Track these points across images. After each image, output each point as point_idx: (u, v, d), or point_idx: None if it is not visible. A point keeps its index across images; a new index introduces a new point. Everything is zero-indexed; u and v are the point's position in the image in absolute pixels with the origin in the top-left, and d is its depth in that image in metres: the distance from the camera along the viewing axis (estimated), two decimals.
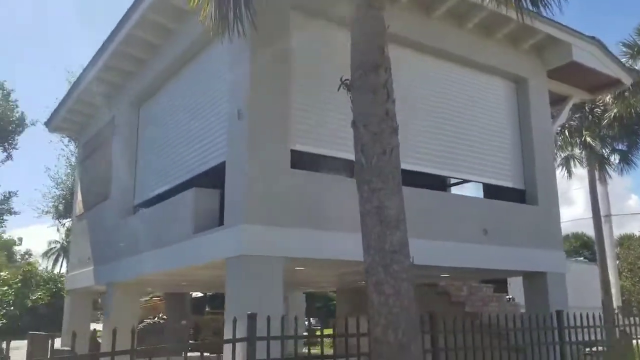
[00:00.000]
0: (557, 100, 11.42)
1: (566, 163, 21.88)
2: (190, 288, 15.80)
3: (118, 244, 10.47)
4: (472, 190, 11.78)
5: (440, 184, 11.82)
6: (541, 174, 9.85)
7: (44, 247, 61.73)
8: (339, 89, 5.45)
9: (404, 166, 8.69)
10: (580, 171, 22.38)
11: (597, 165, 20.91)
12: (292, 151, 7.27)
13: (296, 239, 6.88)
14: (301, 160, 7.43)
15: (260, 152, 6.96)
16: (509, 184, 9.85)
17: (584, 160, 21.08)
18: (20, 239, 52.84)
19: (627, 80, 11.01)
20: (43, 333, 5.80)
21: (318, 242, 6.98)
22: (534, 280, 9.60)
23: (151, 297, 20.49)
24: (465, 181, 11.48)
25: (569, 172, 22.00)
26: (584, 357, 8.96)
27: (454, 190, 12.32)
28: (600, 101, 19.49)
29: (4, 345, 7.48)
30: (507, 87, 10.19)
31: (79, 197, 13.94)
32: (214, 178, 7.93)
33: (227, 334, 5.79)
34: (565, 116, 11.15)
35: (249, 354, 4.92)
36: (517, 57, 10.01)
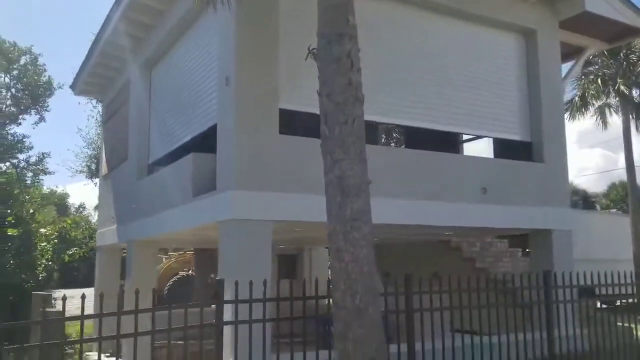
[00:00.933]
0: (572, 52, 11.07)
1: (601, 112, 21.21)
2: (209, 245, 16.34)
3: (134, 204, 10.95)
4: (485, 145, 11.68)
5: (452, 140, 11.79)
6: (549, 128, 9.67)
7: (95, 201, 64.33)
8: (306, 58, 5.49)
9: (409, 123, 9.03)
10: None
11: (634, 113, 20.19)
12: (282, 112, 7.37)
13: (284, 202, 7.07)
14: (292, 123, 7.56)
15: (248, 118, 7.11)
16: (517, 138, 9.74)
17: (619, 108, 20.38)
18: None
19: None
20: (44, 293, 6.29)
21: (306, 205, 7.11)
22: (539, 237, 9.57)
23: (185, 251, 21.28)
24: (476, 137, 11.42)
25: (604, 122, 21.35)
26: (593, 313, 8.96)
27: (466, 146, 12.25)
28: (636, 47, 18.65)
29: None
30: (515, 39, 9.91)
31: (104, 157, 14.49)
32: (213, 140, 8.15)
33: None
34: (579, 68, 10.77)
35: (217, 317, 5.22)
36: (525, 9, 9.69)
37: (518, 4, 9.63)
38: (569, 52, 11.01)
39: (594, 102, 20.71)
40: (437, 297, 6.30)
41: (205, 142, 8.37)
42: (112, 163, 13.54)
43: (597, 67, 20.06)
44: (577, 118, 20.45)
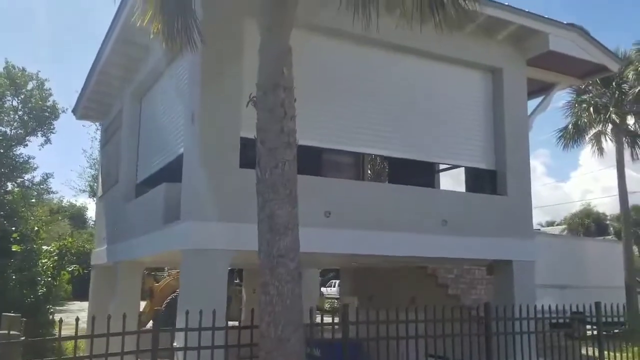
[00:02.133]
0: (543, 87, 11.43)
1: (596, 140, 21.43)
2: None
3: (120, 226, 11.52)
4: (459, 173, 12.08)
5: (428, 170, 12.23)
6: (513, 161, 10.03)
7: None
8: (247, 105, 5.99)
9: (386, 153, 9.46)
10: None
11: (629, 141, 20.39)
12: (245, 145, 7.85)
13: (242, 233, 7.45)
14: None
15: (209, 153, 7.62)
16: (482, 166, 10.16)
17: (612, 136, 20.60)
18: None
19: (614, 67, 10.86)
20: (13, 315, 6.75)
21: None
22: (502, 268, 9.90)
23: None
24: (450, 168, 11.86)
25: (600, 149, 21.55)
26: (564, 341, 9.26)
27: (442, 175, 12.66)
28: (628, 76, 18.92)
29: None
30: (481, 76, 10.33)
31: (100, 179, 15.14)
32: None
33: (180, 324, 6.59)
34: (549, 103, 11.13)
35: (153, 344, 5.69)
36: (491, 48, 10.11)
37: (484, 43, 10.05)
38: (540, 88, 11.37)
39: (590, 129, 20.96)
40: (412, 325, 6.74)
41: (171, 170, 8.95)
42: (106, 185, 14.18)
43: (591, 95, 20.34)
44: (571, 146, 20.70)
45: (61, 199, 52.00)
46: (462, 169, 11.64)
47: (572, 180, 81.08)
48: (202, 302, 6.76)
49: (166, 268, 21.09)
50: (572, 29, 10.16)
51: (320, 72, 8.73)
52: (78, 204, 55.94)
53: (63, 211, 48.60)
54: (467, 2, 7.00)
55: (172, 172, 9.47)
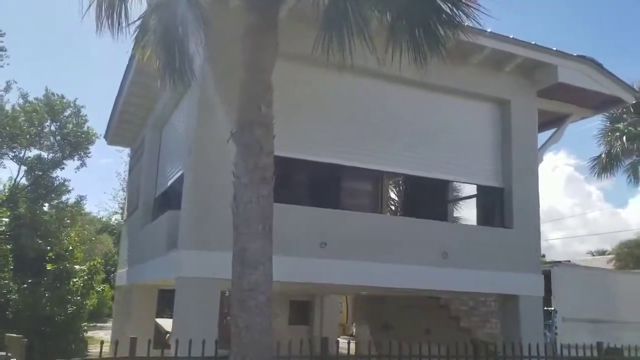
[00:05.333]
0: (557, 118, 11.26)
1: (633, 169, 20.73)
2: None
3: (136, 249, 11.91)
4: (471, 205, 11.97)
5: (440, 199, 12.20)
6: (520, 194, 9.90)
7: None
8: (227, 141, 6.19)
9: (403, 171, 9.56)
10: None
11: None
12: None
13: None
14: None
15: (203, 184, 7.86)
16: (489, 200, 10.06)
17: None
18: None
19: (629, 98, 10.62)
20: (15, 335, 7.07)
21: None
22: (508, 303, 9.72)
23: None
24: (462, 199, 11.81)
25: (637, 179, 20.83)
26: None
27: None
28: None
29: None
30: (489, 108, 10.28)
31: (126, 203, 15.68)
32: None
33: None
34: (562, 134, 10.93)
35: None
36: (498, 80, 10.07)
37: (492, 75, 10.02)
38: (553, 119, 11.21)
39: (625, 158, 20.30)
40: None
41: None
42: (130, 210, 14.68)
43: (625, 123, 19.77)
44: (605, 175, 20.10)
45: (110, 217, 53.54)
46: (472, 202, 11.60)
47: (629, 207, 77.92)
48: (194, 330, 6.93)
49: None
50: (582, 61, 10.03)
51: (330, 101, 8.97)
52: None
53: (110, 230, 50.10)
54: (468, 35, 7.06)
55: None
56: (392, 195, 16.35)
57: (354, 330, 30.39)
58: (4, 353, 6.06)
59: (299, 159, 8.67)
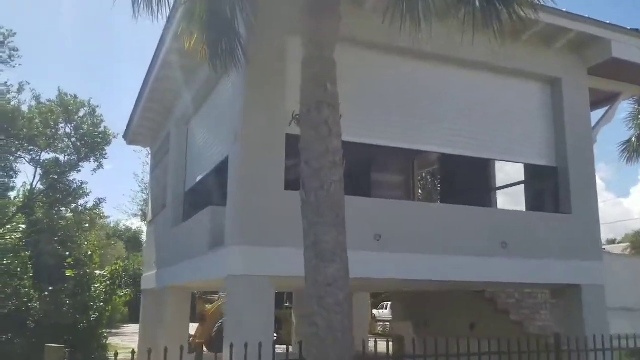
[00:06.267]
0: (608, 97, 10.72)
1: None
2: None
3: (168, 251, 11.39)
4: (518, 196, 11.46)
5: (485, 187, 11.68)
6: (577, 177, 9.34)
7: None
8: (290, 124, 5.68)
9: (450, 151, 9.01)
10: None
11: None
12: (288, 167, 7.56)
13: (285, 258, 7.12)
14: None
15: (254, 175, 7.34)
16: (544, 186, 9.53)
17: None
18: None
19: None
20: (56, 345, 6.59)
21: None
22: (569, 293, 9.18)
23: None
24: (508, 186, 11.31)
25: None
26: None
27: (500, 193, 12.04)
28: None
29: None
30: (540, 87, 9.74)
31: (150, 204, 15.17)
32: None
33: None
34: (614, 114, 10.40)
35: None
36: (548, 58, 9.52)
37: (541, 53, 9.47)
38: (604, 98, 10.67)
39: None
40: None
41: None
42: (155, 209, 14.17)
43: None
44: (635, 160, 19.47)
45: (117, 222, 53.25)
46: (519, 189, 11.07)
47: (632, 196, 77.21)
48: (248, 332, 6.43)
49: (220, 291, 20.95)
50: (638, 35, 9.47)
51: (376, 85, 8.46)
52: (134, 227, 57.23)
53: (119, 235, 49.78)
54: (524, 9, 6.57)
55: (219, 195, 9.28)
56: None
57: (380, 329, 29.99)
58: None
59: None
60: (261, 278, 7.06)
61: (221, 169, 9.36)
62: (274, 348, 6.09)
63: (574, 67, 9.75)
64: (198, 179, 10.60)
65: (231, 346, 5.68)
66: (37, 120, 19.85)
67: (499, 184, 12.33)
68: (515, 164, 10.21)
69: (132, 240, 55.44)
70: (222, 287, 12.15)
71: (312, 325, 4.96)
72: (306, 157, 5.29)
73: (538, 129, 9.61)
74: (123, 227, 54.87)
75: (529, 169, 10.33)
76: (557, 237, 9.02)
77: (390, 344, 6.33)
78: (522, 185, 10.64)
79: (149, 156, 19.92)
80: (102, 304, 17.01)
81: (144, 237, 60.37)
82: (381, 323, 30.75)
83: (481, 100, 9.25)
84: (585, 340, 7.15)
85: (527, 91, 9.66)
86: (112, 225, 50.26)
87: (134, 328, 31.63)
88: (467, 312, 12.23)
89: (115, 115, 50.48)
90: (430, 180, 19.12)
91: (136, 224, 48.65)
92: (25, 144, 19.82)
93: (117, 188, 67.40)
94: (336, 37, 5.67)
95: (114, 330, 25.20)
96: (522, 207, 10.65)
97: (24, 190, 20.82)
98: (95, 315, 16.71)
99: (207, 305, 21.72)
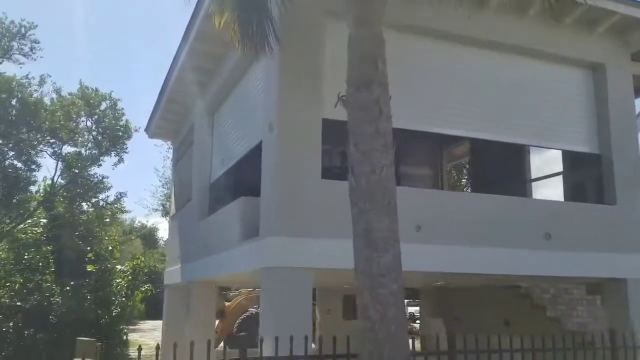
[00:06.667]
0: None
1: None
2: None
3: (194, 245, 11.15)
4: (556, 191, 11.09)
5: (520, 179, 11.31)
6: (621, 167, 8.94)
7: None
8: (335, 105, 5.37)
9: (487, 137, 8.65)
10: None
11: None
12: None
13: (324, 249, 6.87)
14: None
15: (289, 164, 7.04)
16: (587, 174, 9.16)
17: None
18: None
19: None
20: (87, 339, 6.39)
21: (347, 252, 6.88)
22: (613, 287, 8.78)
23: (254, 288, 21.42)
24: (545, 177, 10.95)
25: None
26: None
27: (534, 185, 11.64)
28: None
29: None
30: (582, 73, 9.34)
31: (173, 198, 14.94)
32: None
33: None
34: None
35: None
36: (591, 43, 9.13)
37: (585, 38, 9.09)
38: None
39: None
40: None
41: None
42: (179, 203, 13.93)
43: None
44: None
45: (133, 219, 53.35)
46: (556, 180, 10.68)
47: None
48: (285, 326, 6.14)
49: (233, 287, 20.74)
50: None
51: (411, 69, 8.12)
52: (149, 224, 57.35)
53: (135, 231, 49.86)
54: None
55: (247, 186, 9.01)
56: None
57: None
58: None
59: None
60: (299, 270, 6.77)
61: (249, 159, 9.10)
62: (305, 343, 5.74)
63: (617, 52, 9.34)
64: (224, 170, 10.34)
65: (276, 339, 5.38)
66: (59, 113, 19.71)
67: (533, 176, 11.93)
68: (550, 154, 9.84)
69: (147, 237, 55.59)
70: (248, 280, 11.92)
71: (365, 318, 4.66)
72: (355, 140, 4.98)
73: (580, 116, 9.22)
74: (138, 224, 55.00)
75: (568, 158, 9.95)
76: (601, 228, 8.63)
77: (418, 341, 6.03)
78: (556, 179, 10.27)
79: (170, 150, 19.79)
80: (123, 299, 16.88)
81: (159, 234, 60.60)
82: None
83: (521, 85, 8.88)
84: (632, 337, 6.77)
85: (569, 77, 9.27)
86: (127, 222, 50.38)
87: (151, 324, 31.64)
88: (500, 308, 11.85)
89: (131, 111, 50.51)
90: (454, 173, 18.69)
91: (152, 220, 48.73)
92: (48, 137, 19.70)
93: (136, 183, 67.32)
94: (384, 12, 5.35)
95: (131, 327, 25.11)
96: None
97: (44, 185, 20.73)
98: (117, 311, 16.58)
99: (226, 302, 21.50)
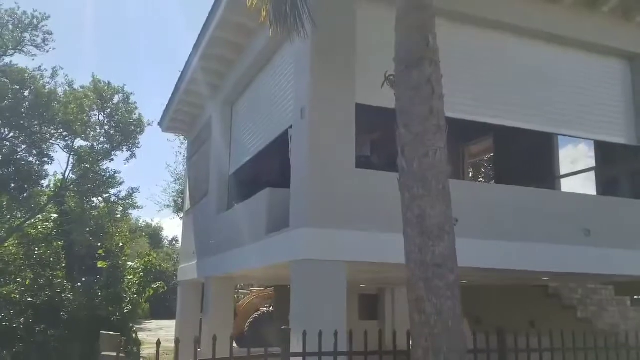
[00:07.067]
0: None
1: None
2: (285, 282, 16.08)
3: (212, 240, 10.82)
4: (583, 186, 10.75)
5: (548, 175, 10.97)
6: None
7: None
8: (382, 86, 5.04)
9: (518, 125, 8.29)
10: None
11: None
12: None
13: (359, 242, 6.54)
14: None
15: (322, 153, 6.70)
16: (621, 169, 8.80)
17: None
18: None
19: None
20: (111, 333, 6.10)
21: (385, 244, 6.55)
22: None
23: (266, 287, 21.12)
24: (575, 173, 10.61)
25: None
26: None
27: (564, 181, 11.28)
28: None
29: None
30: (619, 62, 9.01)
31: (187, 193, 14.63)
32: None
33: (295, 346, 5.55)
34: None
35: None
36: (628, 32, 8.82)
37: (622, 26, 8.75)
38: None
39: None
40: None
41: (284, 177, 8.07)
42: (195, 198, 13.61)
43: None
44: None
45: (138, 219, 53.12)
46: (586, 177, 10.35)
47: None
48: (318, 320, 5.81)
49: (240, 285, 20.41)
50: None
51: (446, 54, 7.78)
52: (154, 224, 57.13)
53: (140, 231, 49.62)
54: None
55: (271, 177, 8.70)
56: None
57: None
58: (113, 353, 5.03)
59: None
60: (332, 263, 6.43)
61: (272, 150, 8.78)
62: (335, 338, 5.39)
63: None
64: (244, 161, 10.01)
65: (304, 334, 5.06)
66: (72, 105, 19.39)
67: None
68: (580, 148, 9.50)
69: (152, 236, 55.35)
70: (266, 276, 11.57)
71: (420, 312, 4.31)
72: (405, 121, 4.64)
73: (617, 107, 8.86)
74: (143, 223, 54.76)
75: (602, 151, 9.59)
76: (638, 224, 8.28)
77: None
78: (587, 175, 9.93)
79: (183, 145, 19.48)
80: (135, 295, 16.57)
81: (164, 234, 60.24)
82: None
83: (557, 74, 8.54)
84: None
85: (605, 66, 8.94)
86: (132, 221, 50.17)
87: (156, 324, 31.27)
88: (525, 309, 11.47)
89: (141, 106, 50.48)
90: (471, 170, 18.34)
91: (157, 220, 48.43)
92: (60, 129, 19.39)
93: (147, 179, 66.94)
94: None
95: (137, 326, 24.85)
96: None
97: (55, 179, 20.44)
98: (128, 308, 16.28)
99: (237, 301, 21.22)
